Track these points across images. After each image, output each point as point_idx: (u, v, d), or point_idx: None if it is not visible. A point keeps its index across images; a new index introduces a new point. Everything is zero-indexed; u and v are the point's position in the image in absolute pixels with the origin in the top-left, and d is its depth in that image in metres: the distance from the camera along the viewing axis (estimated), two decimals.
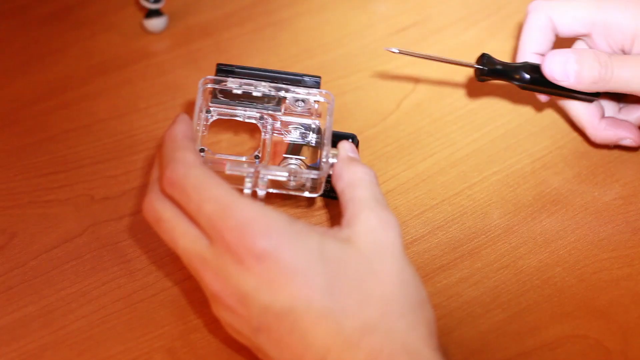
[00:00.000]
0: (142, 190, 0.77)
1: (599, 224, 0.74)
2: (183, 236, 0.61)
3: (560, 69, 0.74)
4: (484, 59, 0.76)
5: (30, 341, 0.67)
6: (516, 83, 0.76)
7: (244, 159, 0.72)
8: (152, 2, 0.89)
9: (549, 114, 0.83)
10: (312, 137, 0.73)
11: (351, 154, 0.67)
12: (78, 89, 0.86)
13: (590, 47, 0.77)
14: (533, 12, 0.77)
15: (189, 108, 0.84)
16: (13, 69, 0.87)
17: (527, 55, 0.77)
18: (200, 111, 0.71)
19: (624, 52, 0.76)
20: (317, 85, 0.72)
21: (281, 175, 0.66)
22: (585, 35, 0.77)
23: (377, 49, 0.88)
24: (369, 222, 0.61)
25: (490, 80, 0.77)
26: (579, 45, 0.78)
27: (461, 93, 0.85)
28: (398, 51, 0.75)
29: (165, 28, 0.91)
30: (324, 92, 0.72)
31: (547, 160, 0.79)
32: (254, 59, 0.88)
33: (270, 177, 0.66)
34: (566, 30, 0.77)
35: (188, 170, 0.60)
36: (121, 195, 0.76)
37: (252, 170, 0.65)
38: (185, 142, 0.63)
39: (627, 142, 0.78)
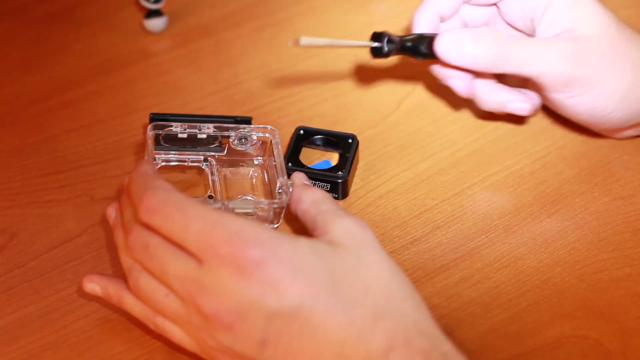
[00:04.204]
0: None
1: (599, 224, 0.74)
2: (174, 259, 0.60)
3: (454, 49, 0.71)
4: (383, 36, 0.73)
5: (30, 341, 0.67)
6: (412, 56, 0.73)
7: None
8: (152, 2, 0.89)
9: (549, 114, 0.82)
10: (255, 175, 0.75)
11: (305, 182, 0.70)
12: (78, 89, 0.86)
13: (500, 14, 0.76)
14: None
15: (189, 108, 0.84)
16: (13, 69, 0.87)
17: (427, 13, 0.74)
18: (153, 158, 0.71)
19: (532, 22, 0.74)
20: (249, 124, 0.73)
21: (247, 207, 0.68)
22: (497, 2, 0.75)
23: None
24: (345, 225, 0.62)
25: (387, 57, 0.74)
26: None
27: None
28: (302, 44, 0.69)
29: (165, 28, 0.91)
30: (269, 128, 0.73)
31: (547, 160, 0.79)
32: (254, 59, 0.88)
33: (238, 210, 0.68)
34: None
35: (168, 193, 0.60)
36: (121, 195, 0.76)
37: (219, 206, 0.67)
38: (157, 175, 0.63)
39: (516, 105, 0.75)
